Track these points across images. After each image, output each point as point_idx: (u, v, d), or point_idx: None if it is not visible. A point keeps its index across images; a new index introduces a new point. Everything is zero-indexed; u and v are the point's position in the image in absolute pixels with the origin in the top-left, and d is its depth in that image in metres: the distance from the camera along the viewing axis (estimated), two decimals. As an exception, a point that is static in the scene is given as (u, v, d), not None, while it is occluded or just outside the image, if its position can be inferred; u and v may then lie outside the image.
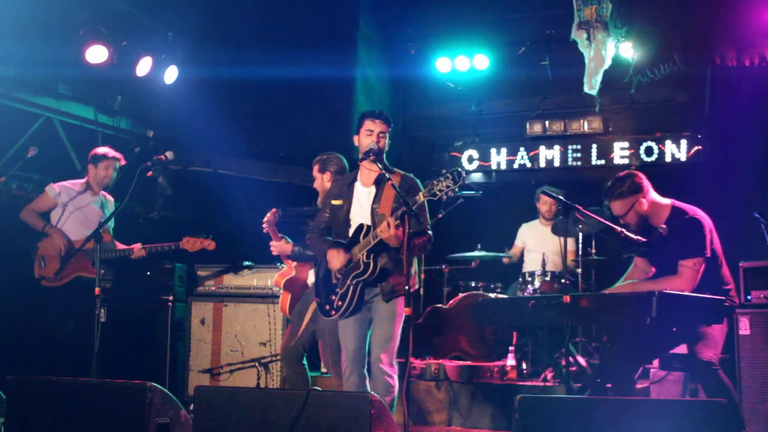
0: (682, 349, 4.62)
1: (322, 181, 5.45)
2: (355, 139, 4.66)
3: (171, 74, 7.30)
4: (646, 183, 4.62)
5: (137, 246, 6.05)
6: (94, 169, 6.14)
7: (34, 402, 3.99)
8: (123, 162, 6.29)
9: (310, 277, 5.50)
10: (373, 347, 4.50)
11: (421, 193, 4.26)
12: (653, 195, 4.62)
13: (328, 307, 4.58)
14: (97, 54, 6.67)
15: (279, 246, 5.45)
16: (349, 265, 4.48)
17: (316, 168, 5.50)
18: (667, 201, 4.62)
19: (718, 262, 4.51)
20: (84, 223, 5.98)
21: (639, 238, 4.51)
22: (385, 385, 4.39)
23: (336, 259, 4.50)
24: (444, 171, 4.19)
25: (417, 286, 4.67)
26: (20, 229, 6.06)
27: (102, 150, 6.25)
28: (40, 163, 6.17)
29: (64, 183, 6.13)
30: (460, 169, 4.16)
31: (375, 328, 4.51)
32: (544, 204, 7.27)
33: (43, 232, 5.92)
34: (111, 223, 6.17)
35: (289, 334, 5.54)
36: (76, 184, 6.14)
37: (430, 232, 4.54)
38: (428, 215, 4.60)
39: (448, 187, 4.15)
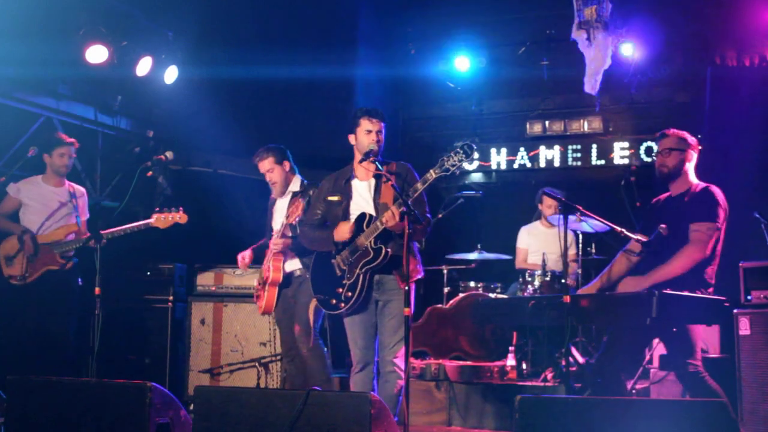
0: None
1: (283, 171, 5.47)
2: (351, 138, 4.64)
3: (171, 74, 7.30)
4: (697, 157, 4.65)
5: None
6: (48, 158, 6.06)
7: (34, 402, 3.98)
8: (77, 145, 6.14)
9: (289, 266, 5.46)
10: (385, 345, 4.49)
11: (432, 170, 4.21)
12: (693, 168, 4.63)
13: (334, 300, 4.52)
14: (97, 54, 6.67)
15: (282, 241, 5.37)
16: (357, 254, 4.47)
17: (271, 160, 5.50)
18: (699, 182, 4.63)
19: (715, 253, 4.49)
20: (49, 216, 5.95)
21: (639, 237, 4.51)
22: (396, 378, 4.43)
23: (343, 229, 4.47)
24: (457, 145, 4.17)
25: (421, 275, 4.66)
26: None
27: (55, 136, 6.15)
28: (41, 163, 6.17)
29: (25, 179, 6.10)
30: (471, 143, 4.14)
31: (387, 327, 4.49)
32: (549, 208, 7.20)
33: (20, 235, 5.86)
34: (83, 217, 6.12)
35: (284, 332, 5.54)
36: (37, 178, 6.10)
37: (429, 215, 4.54)
38: (426, 199, 4.58)
39: (460, 161, 4.13)
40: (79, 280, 6.02)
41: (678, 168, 4.58)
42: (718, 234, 4.40)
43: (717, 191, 4.50)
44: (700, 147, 4.70)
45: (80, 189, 6.28)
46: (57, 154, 6.05)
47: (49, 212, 5.98)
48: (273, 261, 5.44)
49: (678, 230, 4.43)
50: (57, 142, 6.09)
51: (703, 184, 4.58)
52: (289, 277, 5.48)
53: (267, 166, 5.54)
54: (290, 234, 5.31)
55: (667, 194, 4.72)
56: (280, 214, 5.52)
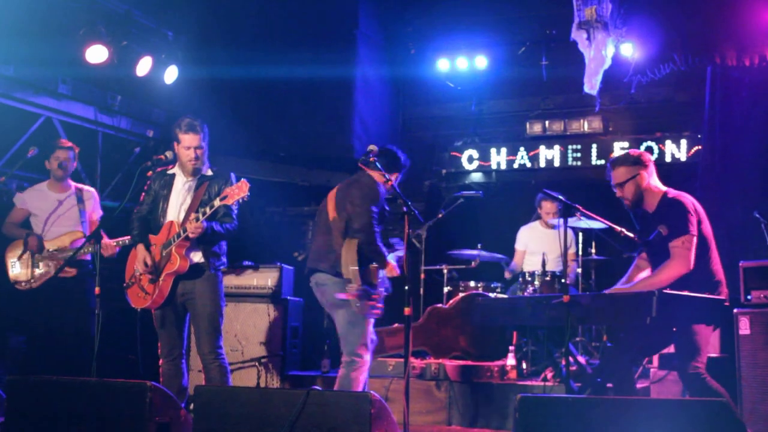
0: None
1: (206, 151, 5.17)
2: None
3: (171, 74, 7.30)
4: (652, 165, 4.66)
5: (109, 241, 5.59)
6: (47, 162, 6.03)
7: (34, 402, 3.99)
8: (77, 149, 6.11)
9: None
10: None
11: None
12: (655, 179, 4.64)
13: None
14: (97, 54, 6.68)
15: (200, 225, 4.82)
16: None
17: (201, 137, 5.18)
18: (663, 188, 4.65)
19: (706, 246, 4.50)
20: (53, 222, 5.93)
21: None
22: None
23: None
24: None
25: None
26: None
27: (53, 141, 6.12)
28: (41, 163, 6.18)
29: (30, 187, 6.09)
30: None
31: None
32: (548, 214, 7.20)
33: (25, 238, 5.84)
34: (93, 217, 6.11)
35: (171, 329, 5.04)
36: (42, 184, 6.08)
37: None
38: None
39: None
40: (92, 284, 5.96)
41: (639, 192, 4.59)
42: (695, 241, 4.40)
43: (681, 200, 4.51)
44: (648, 155, 4.72)
45: (88, 189, 6.22)
46: (52, 158, 6.01)
47: (54, 217, 5.96)
48: (176, 247, 4.86)
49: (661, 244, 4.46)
50: (53, 147, 6.05)
51: (671, 194, 4.58)
52: (194, 267, 4.93)
53: (198, 141, 5.12)
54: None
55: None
56: (178, 195, 5.11)
